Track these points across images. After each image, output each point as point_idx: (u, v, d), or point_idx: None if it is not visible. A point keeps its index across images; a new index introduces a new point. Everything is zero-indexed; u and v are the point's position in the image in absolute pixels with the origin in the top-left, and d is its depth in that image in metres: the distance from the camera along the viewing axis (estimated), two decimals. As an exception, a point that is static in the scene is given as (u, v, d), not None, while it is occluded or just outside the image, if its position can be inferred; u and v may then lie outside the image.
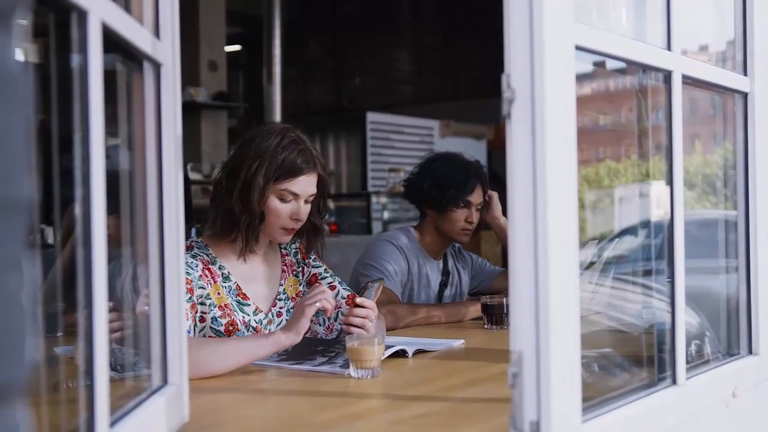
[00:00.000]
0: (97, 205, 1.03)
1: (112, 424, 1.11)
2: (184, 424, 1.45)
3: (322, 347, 2.15)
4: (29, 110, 0.59)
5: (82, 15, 1.01)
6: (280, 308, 2.35)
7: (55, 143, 1.08)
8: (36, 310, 0.61)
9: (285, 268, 2.41)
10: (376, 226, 7.49)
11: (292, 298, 2.39)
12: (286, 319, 2.31)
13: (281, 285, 2.38)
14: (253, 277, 2.32)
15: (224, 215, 2.23)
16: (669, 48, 1.54)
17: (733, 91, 1.83)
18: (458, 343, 2.38)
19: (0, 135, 0.55)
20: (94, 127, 1.03)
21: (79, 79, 1.02)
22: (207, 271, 2.19)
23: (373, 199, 7.63)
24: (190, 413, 1.47)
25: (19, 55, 0.59)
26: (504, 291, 3.01)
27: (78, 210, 1.03)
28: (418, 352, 2.21)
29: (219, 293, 2.21)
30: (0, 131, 0.56)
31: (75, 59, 1.03)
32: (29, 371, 0.60)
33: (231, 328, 2.20)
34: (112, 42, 1.13)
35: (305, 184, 2.24)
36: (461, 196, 3.02)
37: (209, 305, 2.18)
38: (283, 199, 2.22)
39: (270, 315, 2.32)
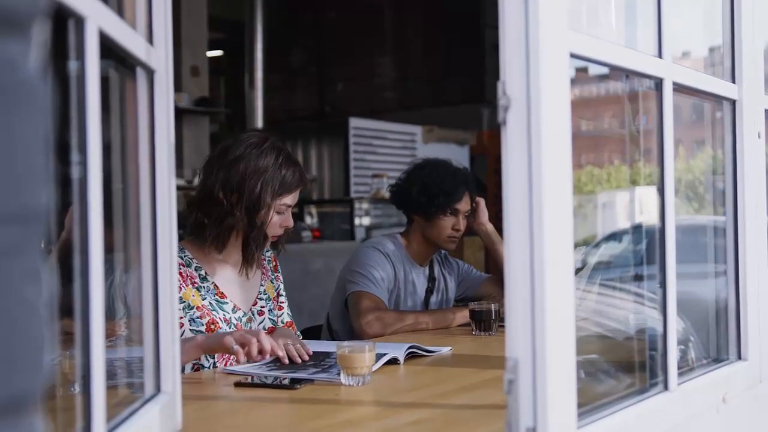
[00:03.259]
0: (93, 212, 1.02)
1: (108, 433, 1.10)
2: (177, 432, 1.44)
3: (313, 361, 2.14)
4: (48, 119, 0.59)
5: (80, 21, 1.00)
6: (262, 307, 2.43)
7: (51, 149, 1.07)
8: (53, 319, 0.61)
9: (264, 270, 2.49)
10: (360, 233, 7.48)
11: (273, 299, 2.47)
12: (269, 318, 2.43)
13: (262, 285, 2.46)
14: (233, 278, 2.37)
15: (227, 231, 2.29)
16: (660, 55, 1.55)
17: (721, 98, 1.84)
18: (446, 350, 2.38)
19: (20, 144, 0.55)
20: (91, 133, 1.02)
21: (76, 85, 1.02)
22: (178, 275, 2.21)
23: (356, 205, 7.62)
24: (182, 422, 1.46)
25: (37, 65, 0.59)
26: (490, 297, 3.02)
27: (75, 216, 1.02)
28: (411, 355, 2.22)
29: (194, 295, 2.26)
30: (20, 140, 0.55)
31: (72, 65, 1.03)
32: (47, 380, 0.59)
33: (213, 326, 2.25)
34: (107, 48, 1.12)
35: (297, 195, 2.37)
36: (449, 204, 3.02)
37: (184, 308, 2.22)
38: (278, 212, 2.33)
39: (250, 313, 2.38)
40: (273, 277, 2.52)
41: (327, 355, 2.21)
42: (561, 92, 1.23)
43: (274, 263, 2.55)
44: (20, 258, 0.56)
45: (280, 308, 2.53)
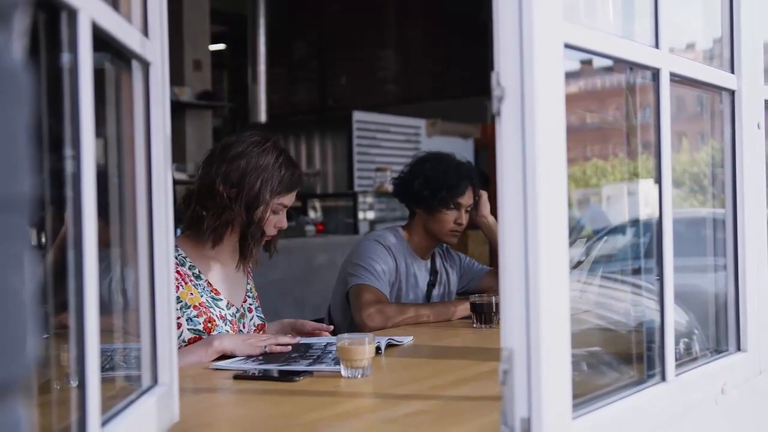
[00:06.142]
0: (87, 206, 1.02)
1: (103, 423, 1.10)
2: (174, 424, 1.45)
3: (296, 354, 2.14)
4: (29, 108, 0.59)
5: (72, 14, 1.00)
6: (250, 305, 2.48)
7: (44, 143, 1.07)
8: (36, 307, 0.61)
9: (249, 270, 2.52)
10: (363, 226, 7.48)
11: (256, 297, 2.52)
12: (257, 315, 2.48)
13: (248, 284, 2.50)
14: (224, 275, 2.41)
15: (224, 225, 2.31)
16: (657, 46, 1.54)
17: (720, 88, 1.84)
18: (407, 340, 2.41)
19: (2, 133, 0.55)
20: (84, 127, 1.02)
21: (69, 78, 1.02)
22: (176, 274, 2.23)
23: (360, 198, 7.61)
24: (180, 413, 1.46)
25: (19, 54, 0.59)
26: (492, 290, 3.02)
27: (68, 211, 1.03)
28: (390, 345, 2.27)
29: (192, 293, 2.29)
30: (2, 129, 0.55)
31: (64, 58, 1.03)
32: (30, 368, 0.60)
33: (209, 325, 2.28)
34: (101, 41, 1.12)
35: (293, 197, 2.40)
36: (452, 198, 3.01)
37: (181, 308, 2.24)
38: (274, 212, 2.35)
39: (242, 309, 2.42)
40: (252, 278, 2.57)
41: (309, 346, 2.23)
42: (555, 83, 1.22)
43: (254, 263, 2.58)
44: (3, 245, 0.56)
45: (250, 311, 2.56)
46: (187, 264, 2.32)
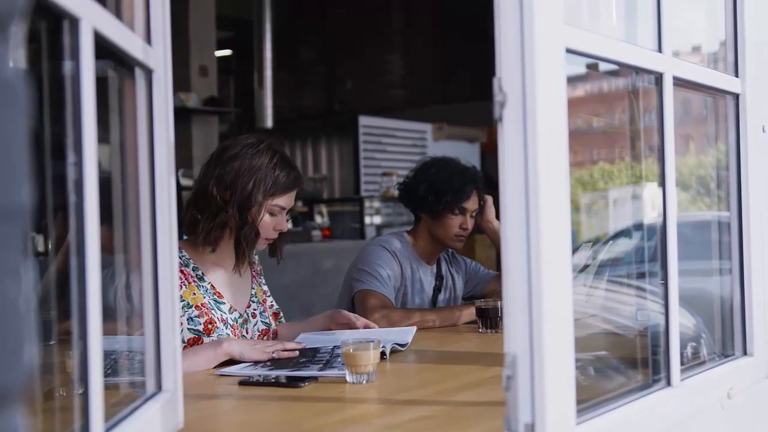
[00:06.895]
0: (90, 213, 1.03)
1: (107, 430, 1.10)
2: (179, 430, 1.45)
3: (304, 359, 2.14)
4: (27, 117, 0.60)
5: (74, 22, 1.01)
6: (254, 310, 2.47)
7: (46, 150, 1.08)
8: (34, 316, 0.61)
9: (254, 274, 2.52)
10: (369, 231, 7.48)
11: (262, 302, 2.51)
12: (261, 321, 2.46)
13: (253, 288, 2.49)
14: (227, 280, 2.41)
15: (219, 228, 2.31)
16: (660, 50, 1.54)
17: (724, 92, 1.83)
18: (411, 333, 2.43)
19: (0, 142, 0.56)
20: (86, 134, 1.02)
21: (71, 86, 1.02)
22: (180, 273, 2.24)
23: (366, 203, 7.61)
24: (184, 420, 1.46)
25: (17, 63, 0.59)
26: (498, 294, 3.01)
27: (71, 218, 1.03)
28: (393, 351, 2.26)
29: (194, 294, 2.29)
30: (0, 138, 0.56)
31: (66, 66, 1.03)
32: (28, 376, 0.60)
33: (210, 326, 2.28)
34: (103, 48, 1.13)
35: (292, 198, 2.39)
36: (457, 203, 3.01)
37: (183, 307, 2.24)
38: (271, 213, 2.34)
39: (245, 315, 2.42)
40: (260, 281, 2.56)
41: (316, 351, 2.23)
42: (557, 88, 1.22)
43: (259, 267, 2.59)
44: (1, 254, 0.56)
45: (271, 306, 2.58)
46: (191, 265, 2.32)
